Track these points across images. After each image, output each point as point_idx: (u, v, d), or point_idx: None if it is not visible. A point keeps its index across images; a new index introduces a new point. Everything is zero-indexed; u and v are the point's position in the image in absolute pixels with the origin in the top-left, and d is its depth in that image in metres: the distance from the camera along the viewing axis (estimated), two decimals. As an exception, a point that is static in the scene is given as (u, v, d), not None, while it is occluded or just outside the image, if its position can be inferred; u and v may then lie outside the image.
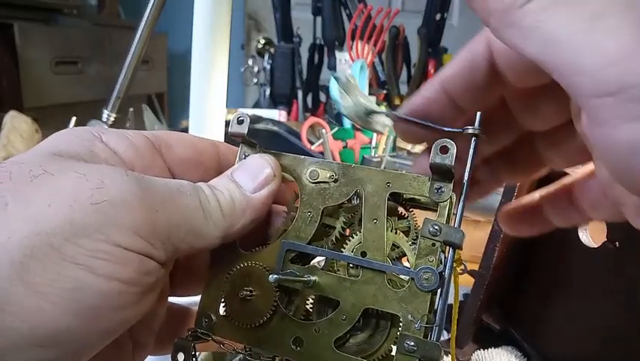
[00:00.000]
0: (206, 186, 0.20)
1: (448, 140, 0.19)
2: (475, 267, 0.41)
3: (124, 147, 0.20)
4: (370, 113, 0.21)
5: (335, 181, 0.22)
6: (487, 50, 0.19)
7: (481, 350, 0.41)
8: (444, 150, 0.19)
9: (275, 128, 0.82)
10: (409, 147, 0.75)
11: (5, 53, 1.25)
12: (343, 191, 0.22)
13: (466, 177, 0.19)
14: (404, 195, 0.21)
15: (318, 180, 0.22)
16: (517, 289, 0.42)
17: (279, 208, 0.24)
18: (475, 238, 0.53)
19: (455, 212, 0.20)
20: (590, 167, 0.21)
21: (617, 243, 0.33)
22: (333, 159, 0.72)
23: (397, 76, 1.01)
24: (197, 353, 0.22)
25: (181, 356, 0.21)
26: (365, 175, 0.21)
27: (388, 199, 0.21)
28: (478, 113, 0.19)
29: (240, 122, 0.22)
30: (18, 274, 0.15)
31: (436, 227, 0.19)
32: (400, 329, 0.19)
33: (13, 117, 0.73)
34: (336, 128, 0.78)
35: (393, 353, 0.20)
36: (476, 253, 0.42)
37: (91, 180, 0.17)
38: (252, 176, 0.21)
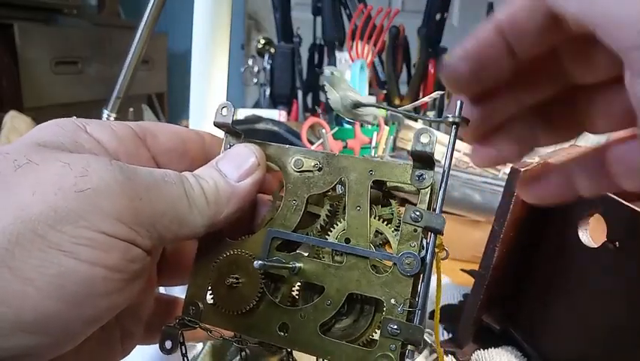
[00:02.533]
0: (191, 175, 0.20)
1: (428, 128, 0.19)
2: (475, 267, 0.41)
3: (108, 137, 0.20)
4: (357, 105, 0.21)
5: (319, 170, 0.22)
6: None
7: (481, 350, 0.41)
8: (425, 138, 0.19)
9: (275, 128, 0.82)
10: (408, 146, 0.75)
11: (5, 52, 1.25)
12: (327, 179, 0.22)
13: (446, 165, 0.19)
14: (387, 183, 0.22)
15: (303, 168, 0.22)
16: (517, 289, 0.42)
17: (264, 198, 0.24)
18: (475, 238, 0.53)
19: (436, 198, 0.20)
20: (629, 131, 0.20)
21: (617, 243, 0.33)
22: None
23: (397, 76, 1.01)
24: (189, 342, 0.22)
25: (168, 344, 0.22)
26: (349, 163, 0.22)
27: (372, 187, 0.21)
28: (459, 102, 0.19)
29: (224, 111, 0.22)
30: (3, 260, 0.15)
31: (418, 213, 0.20)
32: (383, 313, 0.20)
33: (13, 117, 0.73)
34: (336, 128, 0.78)
35: (377, 337, 0.20)
36: (476, 253, 0.42)
37: (75, 168, 0.17)
38: (237, 165, 0.22)
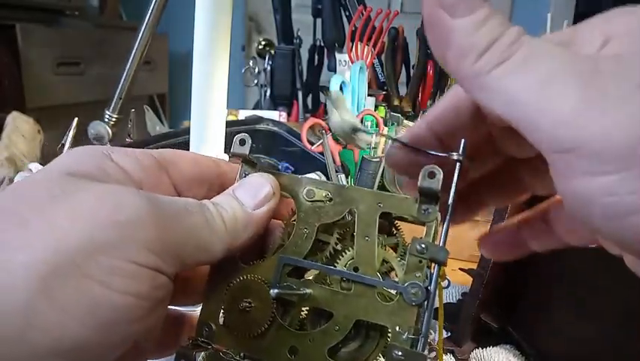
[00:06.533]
0: (211, 204, 0.21)
1: (435, 166, 0.21)
2: (474, 266, 0.41)
3: (132, 166, 0.21)
4: (356, 130, 0.22)
5: (330, 200, 0.23)
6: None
7: (480, 348, 0.41)
8: (431, 175, 0.21)
9: (275, 128, 0.82)
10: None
11: (7, 54, 1.26)
12: (337, 210, 0.23)
13: (451, 200, 0.21)
14: (393, 214, 0.23)
15: (315, 199, 0.23)
16: (515, 288, 0.43)
17: (276, 223, 0.25)
18: (474, 238, 0.53)
19: (441, 231, 0.21)
20: None
21: (614, 242, 0.34)
22: (333, 160, 0.72)
23: (397, 77, 1.01)
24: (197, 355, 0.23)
25: None
26: (358, 195, 0.23)
27: (379, 218, 0.22)
28: (463, 141, 0.21)
29: (242, 143, 0.23)
30: (42, 291, 0.16)
31: (423, 245, 0.21)
32: (388, 339, 0.21)
33: (15, 118, 0.73)
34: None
35: None
36: (474, 253, 0.42)
37: (108, 200, 0.18)
38: (253, 194, 0.22)
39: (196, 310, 0.24)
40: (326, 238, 0.23)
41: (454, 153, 0.21)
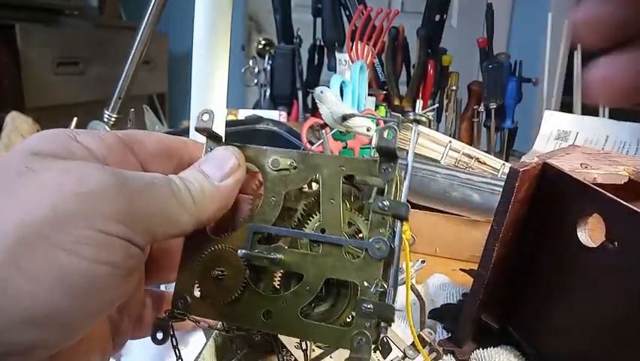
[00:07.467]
0: (178, 178, 0.22)
1: (391, 125, 0.21)
2: (474, 267, 0.41)
3: (97, 146, 0.21)
4: (345, 117, 0.23)
5: (295, 168, 0.24)
6: None
7: (481, 349, 0.41)
8: (388, 133, 0.21)
9: (275, 128, 0.82)
10: (407, 146, 0.75)
11: (7, 53, 1.26)
12: (302, 176, 0.24)
13: (409, 158, 0.22)
14: (357, 177, 0.24)
15: (280, 167, 0.24)
16: (516, 288, 0.43)
17: (244, 197, 0.25)
18: (474, 238, 0.53)
19: (401, 189, 0.22)
20: None
21: (615, 243, 0.34)
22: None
23: (397, 76, 1.01)
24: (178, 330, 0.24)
25: (160, 335, 0.23)
26: (321, 161, 0.23)
27: (344, 182, 0.23)
28: (419, 102, 0.21)
29: (205, 117, 0.24)
30: (12, 261, 0.16)
31: (385, 202, 0.21)
32: (358, 296, 0.22)
33: (14, 118, 0.73)
34: (335, 129, 0.78)
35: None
36: (475, 253, 0.42)
37: (72, 174, 0.18)
38: (219, 166, 0.23)
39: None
40: (294, 205, 0.24)
41: (411, 113, 0.22)
